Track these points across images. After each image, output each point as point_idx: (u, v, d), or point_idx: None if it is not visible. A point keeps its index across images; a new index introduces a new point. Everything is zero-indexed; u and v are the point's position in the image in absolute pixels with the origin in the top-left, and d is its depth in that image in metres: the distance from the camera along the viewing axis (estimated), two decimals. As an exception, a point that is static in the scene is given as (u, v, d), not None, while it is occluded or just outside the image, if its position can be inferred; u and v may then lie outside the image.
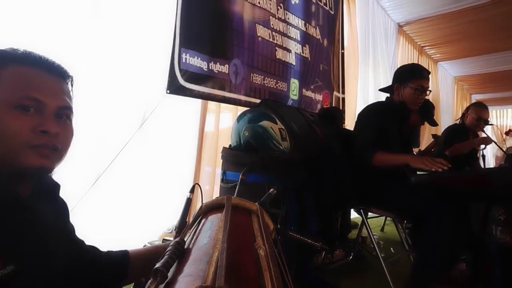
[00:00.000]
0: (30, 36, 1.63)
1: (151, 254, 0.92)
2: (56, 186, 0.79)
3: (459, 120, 3.41)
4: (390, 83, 2.34)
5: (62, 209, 0.83)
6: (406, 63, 5.48)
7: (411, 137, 2.48)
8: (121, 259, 0.89)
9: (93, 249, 0.88)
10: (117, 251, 0.91)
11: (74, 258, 0.79)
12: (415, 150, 3.01)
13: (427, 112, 2.41)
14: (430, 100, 2.69)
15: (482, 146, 3.39)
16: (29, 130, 0.64)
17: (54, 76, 0.71)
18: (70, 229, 0.85)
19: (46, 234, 0.70)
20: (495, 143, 3.29)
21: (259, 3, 2.84)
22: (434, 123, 2.56)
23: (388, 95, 2.38)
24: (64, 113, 0.71)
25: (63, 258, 0.74)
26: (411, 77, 2.17)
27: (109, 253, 0.90)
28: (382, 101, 2.39)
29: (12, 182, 0.66)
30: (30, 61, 0.69)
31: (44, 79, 0.69)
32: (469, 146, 3.17)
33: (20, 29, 1.61)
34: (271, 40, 2.99)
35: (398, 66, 2.50)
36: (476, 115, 3.18)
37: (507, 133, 7.76)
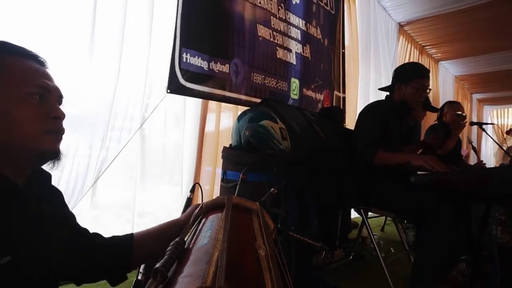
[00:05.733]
0: (29, 32, 1.63)
1: (156, 236, 0.92)
2: (47, 175, 0.80)
3: (435, 120, 3.50)
4: (391, 83, 2.34)
5: (57, 197, 0.83)
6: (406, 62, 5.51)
7: (413, 135, 2.48)
8: (125, 243, 0.89)
9: (97, 236, 0.89)
10: (122, 236, 0.91)
11: (75, 246, 0.79)
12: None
13: (425, 102, 2.44)
14: (430, 99, 2.72)
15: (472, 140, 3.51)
16: (43, 117, 0.68)
17: (45, 67, 0.75)
18: (70, 217, 0.85)
19: (43, 223, 0.70)
20: (471, 142, 3.40)
21: (260, 3, 2.84)
22: (435, 109, 2.72)
23: (387, 93, 2.38)
24: (61, 101, 0.76)
25: (63, 247, 0.74)
26: (413, 76, 2.19)
27: (113, 238, 0.90)
28: (382, 100, 2.39)
29: (6, 171, 0.66)
30: (23, 52, 0.71)
31: (41, 69, 0.73)
32: (454, 138, 3.27)
33: (19, 23, 1.61)
34: (271, 39, 2.98)
35: (398, 65, 2.49)
36: (455, 111, 3.31)
37: (507, 133, 7.76)
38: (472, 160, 7.01)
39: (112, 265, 0.86)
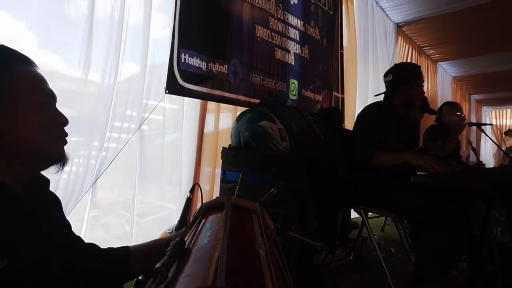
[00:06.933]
0: (28, 32, 1.63)
1: (151, 249, 0.92)
2: (45, 181, 0.81)
3: (434, 121, 3.49)
4: (389, 87, 2.34)
5: (55, 203, 0.83)
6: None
7: (412, 137, 2.48)
8: (121, 254, 0.89)
9: (92, 245, 0.88)
10: (117, 248, 0.91)
11: (71, 253, 0.78)
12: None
13: (424, 104, 2.45)
14: (428, 99, 2.73)
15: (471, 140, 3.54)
16: (53, 123, 0.72)
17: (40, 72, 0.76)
18: (66, 225, 0.85)
19: (40, 229, 0.70)
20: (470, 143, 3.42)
21: (258, 3, 2.84)
22: (433, 112, 2.69)
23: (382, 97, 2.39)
24: None
25: (60, 253, 0.74)
26: (416, 76, 2.24)
27: (109, 249, 0.90)
28: (381, 101, 2.39)
29: (6, 177, 0.66)
30: (24, 58, 0.72)
31: (42, 76, 0.74)
32: (454, 139, 3.27)
33: (17, 23, 1.61)
34: (270, 40, 2.99)
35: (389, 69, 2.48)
36: (454, 112, 3.30)
37: (506, 133, 7.77)
38: (472, 159, 7.05)
39: (108, 275, 0.85)
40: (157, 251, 0.89)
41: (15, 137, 0.66)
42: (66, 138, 0.77)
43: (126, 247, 0.91)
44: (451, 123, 3.31)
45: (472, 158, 6.81)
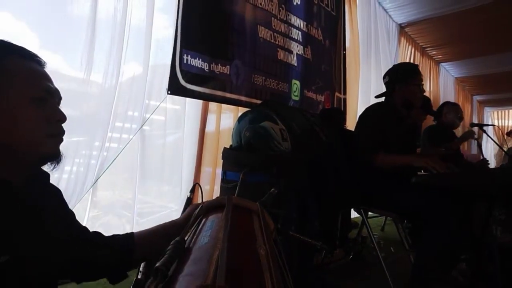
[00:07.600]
0: (29, 32, 1.64)
1: (156, 235, 0.91)
2: (46, 175, 0.80)
3: (434, 120, 3.50)
4: (386, 87, 2.35)
5: (56, 195, 0.83)
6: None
7: (414, 136, 2.48)
8: (125, 241, 0.88)
9: (97, 234, 0.89)
10: (122, 235, 0.91)
11: (76, 243, 0.79)
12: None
13: (427, 105, 2.45)
14: (431, 100, 2.73)
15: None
16: (47, 120, 0.69)
17: (44, 68, 0.74)
18: (70, 215, 0.85)
19: (42, 222, 0.71)
20: (476, 139, 3.47)
21: (260, 4, 2.84)
22: (435, 113, 2.80)
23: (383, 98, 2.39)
24: (59, 103, 0.76)
25: (64, 244, 0.74)
26: (412, 75, 2.23)
27: (114, 237, 0.90)
28: (382, 102, 2.39)
29: (3, 171, 0.66)
30: (25, 53, 0.71)
31: (43, 72, 0.73)
32: (460, 143, 3.28)
33: (19, 22, 1.62)
34: (272, 41, 2.98)
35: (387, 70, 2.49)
36: (456, 114, 3.34)
37: (508, 134, 7.76)
38: (472, 152, 7.06)
39: (113, 263, 0.85)
40: (162, 236, 0.89)
41: (3, 133, 0.65)
42: (64, 137, 0.74)
43: (131, 234, 0.91)
44: (451, 123, 3.33)
45: (473, 151, 6.82)
